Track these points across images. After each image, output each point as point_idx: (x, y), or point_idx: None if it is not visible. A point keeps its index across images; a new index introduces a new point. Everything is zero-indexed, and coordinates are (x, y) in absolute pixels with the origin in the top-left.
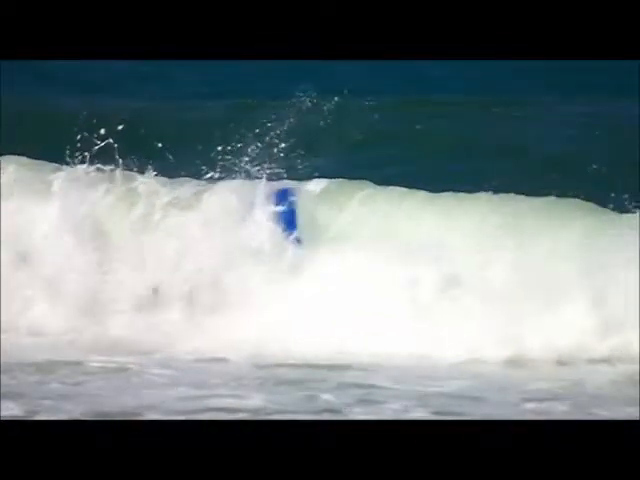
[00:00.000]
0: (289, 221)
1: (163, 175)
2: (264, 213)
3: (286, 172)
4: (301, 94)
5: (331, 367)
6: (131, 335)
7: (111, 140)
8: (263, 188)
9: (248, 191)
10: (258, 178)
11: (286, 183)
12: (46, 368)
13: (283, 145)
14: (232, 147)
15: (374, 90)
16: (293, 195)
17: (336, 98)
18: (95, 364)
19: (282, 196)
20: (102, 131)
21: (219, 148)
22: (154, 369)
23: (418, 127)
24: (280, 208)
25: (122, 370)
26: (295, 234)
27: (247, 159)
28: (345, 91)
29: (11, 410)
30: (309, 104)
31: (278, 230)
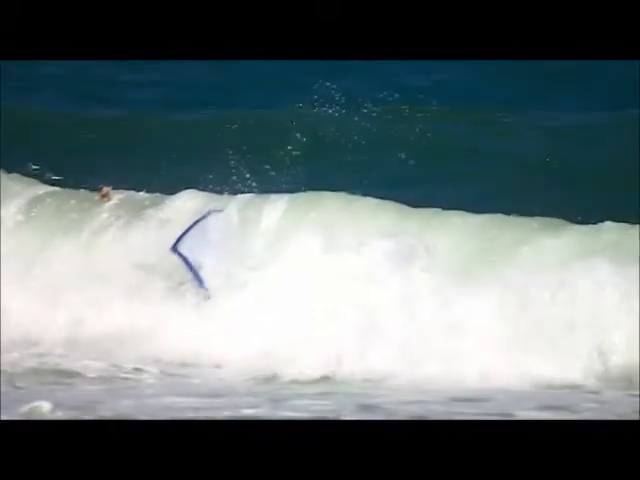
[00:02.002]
0: (194, 274)
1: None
2: None
3: (263, 182)
4: (288, 105)
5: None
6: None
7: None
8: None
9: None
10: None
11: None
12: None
13: (264, 155)
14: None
15: (359, 100)
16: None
17: (327, 109)
18: (92, 374)
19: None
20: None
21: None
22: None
23: (404, 136)
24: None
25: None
26: (202, 285)
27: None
28: (342, 99)
29: (11, 412)
30: (294, 115)
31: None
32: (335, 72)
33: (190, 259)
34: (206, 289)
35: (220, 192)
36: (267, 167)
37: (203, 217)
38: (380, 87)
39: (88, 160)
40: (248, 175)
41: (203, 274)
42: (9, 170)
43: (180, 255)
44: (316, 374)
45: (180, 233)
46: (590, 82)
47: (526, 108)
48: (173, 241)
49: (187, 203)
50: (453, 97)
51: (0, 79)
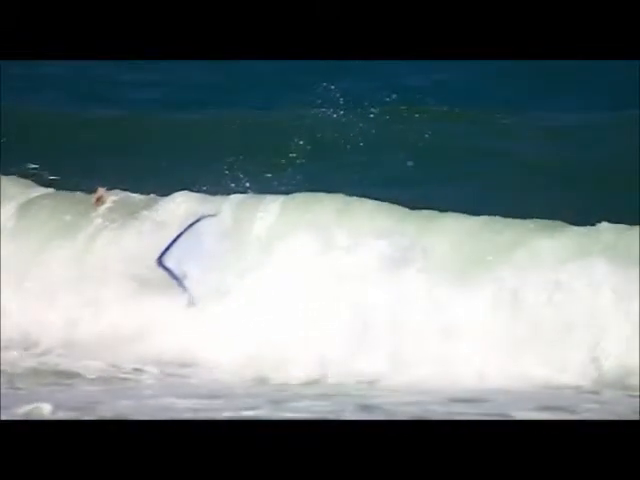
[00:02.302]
0: (179, 283)
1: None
2: None
3: (262, 183)
4: (284, 106)
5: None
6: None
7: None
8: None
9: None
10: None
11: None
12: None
13: (263, 156)
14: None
15: (359, 100)
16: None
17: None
18: (92, 375)
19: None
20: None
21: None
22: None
23: (404, 137)
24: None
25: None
26: (188, 294)
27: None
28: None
29: (11, 412)
30: (294, 116)
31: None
32: (334, 72)
33: (175, 269)
34: (191, 295)
35: (215, 193)
36: (266, 168)
37: (194, 222)
38: (379, 87)
39: (88, 160)
40: (247, 176)
41: (190, 281)
42: (8, 170)
43: (165, 268)
44: (314, 375)
45: (167, 244)
46: (590, 82)
47: (526, 108)
48: (161, 250)
49: (181, 205)
50: (453, 97)
51: (0, 79)
